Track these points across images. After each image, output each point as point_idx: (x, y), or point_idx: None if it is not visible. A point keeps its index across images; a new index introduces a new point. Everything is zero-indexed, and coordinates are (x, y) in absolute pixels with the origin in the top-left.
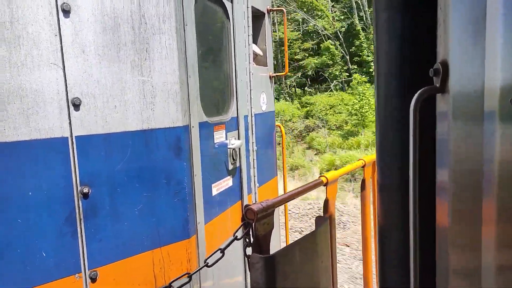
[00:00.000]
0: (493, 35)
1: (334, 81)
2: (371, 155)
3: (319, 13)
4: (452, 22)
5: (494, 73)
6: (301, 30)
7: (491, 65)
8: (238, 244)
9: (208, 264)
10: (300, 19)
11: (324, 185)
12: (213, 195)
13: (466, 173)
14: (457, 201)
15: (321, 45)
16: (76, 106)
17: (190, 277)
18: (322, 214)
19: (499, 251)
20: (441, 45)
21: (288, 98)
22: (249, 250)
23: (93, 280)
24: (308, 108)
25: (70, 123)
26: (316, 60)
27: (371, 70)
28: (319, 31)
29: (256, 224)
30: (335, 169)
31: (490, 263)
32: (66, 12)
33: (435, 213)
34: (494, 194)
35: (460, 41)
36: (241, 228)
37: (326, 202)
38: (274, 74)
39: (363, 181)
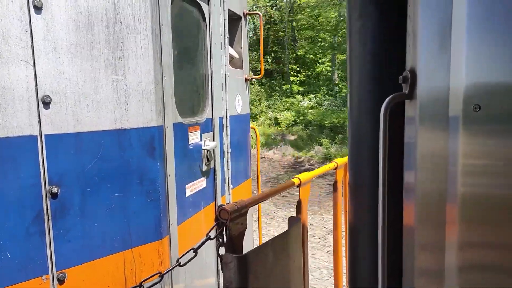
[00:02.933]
0: (458, 45)
1: None
2: (344, 158)
3: None
4: (420, 32)
5: (459, 82)
6: None
7: (456, 74)
8: (211, 245)
9: (181, 264)
10: None
11: (297, 186)
12: (186, 196)
13: (431, 175)
14: (423, 203)
15: None
16: (46, 104)
17: (161, 276)
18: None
19: (461, 252)
20: (410, 54)
21: None
22: (222, 250)
23: (61, 282)
24: None
25: (39, 121)
26: None
27: None
28: None
29: (230, 224)
30: None
31: (453, 263)
32: (38, 9)
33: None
34: (457, 196)
35: (428, 50)
36: (214, 228)
37: (298, 203)
38: (250, 77)
39: (335, 183)
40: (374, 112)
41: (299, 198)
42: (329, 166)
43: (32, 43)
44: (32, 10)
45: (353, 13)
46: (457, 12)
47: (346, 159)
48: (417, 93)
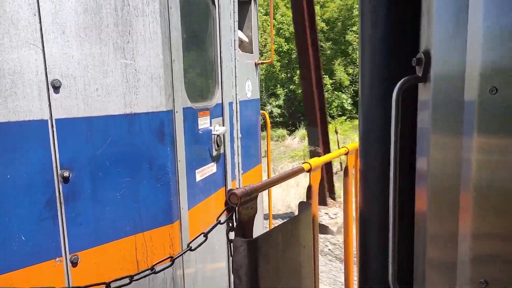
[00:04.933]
0: (475, 25)
1: None
2: (355, 143)
3: None
4: (435, 12)
5: (475, 64)
6: None
7: (472, 56)
8: (221, 230)
9: (192, 248)
10: None
11: (307, 171)
12: (196, 181)
13: (445, 162)
14: (435, 191)
15: None
16: (56, 88)
17: (173, 260)
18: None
19: (474, 243)
20: (424, 35)
21: None
22: (232, 235)
23: (74, 264)
24: None
25: (49, 105)
26: None
27: None
28: None
29: (240, 209)
30: None
31: (466, 254)
32: None
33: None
34: (472, 184)
35: (443, 31)
36: (224, 213)
37: (309, 188)
38: (260, 62)
39: (346, 168)
40: (386, 96)
41: (310, 183)
42: (340, 151)
43: (41, 26)
44: None
45: None
46: None
47: (357, 144)
48: (431, 75)
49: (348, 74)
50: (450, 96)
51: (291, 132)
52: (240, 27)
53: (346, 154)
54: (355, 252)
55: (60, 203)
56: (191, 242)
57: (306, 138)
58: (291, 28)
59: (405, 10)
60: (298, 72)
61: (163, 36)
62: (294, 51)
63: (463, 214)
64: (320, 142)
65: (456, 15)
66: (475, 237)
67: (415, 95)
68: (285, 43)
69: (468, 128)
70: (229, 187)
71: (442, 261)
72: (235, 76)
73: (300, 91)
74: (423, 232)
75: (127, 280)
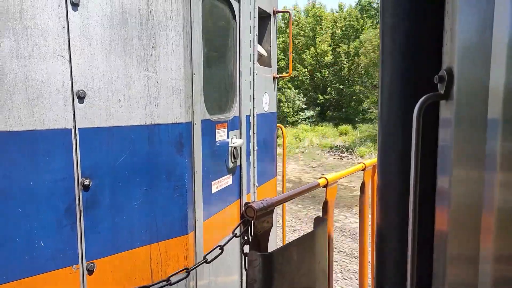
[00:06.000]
0: (499, 43)
1: None
2: (372, 160)
3: None
4: (458, 29)
5: (499, 82)
6: None
7: (496, 74)
8: (235, 243)
9: (207, 261)
10: None
11: (323, 187)
12: (212, 192)
13: (467, 181)
14: (457, 209)
15: None
16: (81, 99)
17: (188, 272)
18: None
19: (496, 263)
20: (447, 52)
21: None
22: (246, 248)
23: (90, 272)
24: None
25: (74, 115)
26: None
27: None
28: None
29: (256, 222)
30: None
31: (487, 274)
32: (75, 5)
33: (434, 220)
34: (494, 204)
35: (466, 49)
36: (240, 226)
37: (325, 204)
38: (278, 75)
39: (363, 184)
40: (406, 112)
41: (326, 199)
42: (357, 167)
43: (69, 38)
44: (70, 6)
45: (387, 8)
46: (500, 7)
47: (374, 161)
48: (453, 93)
49: None
50: (473, 114)
51: None
52: (259, 41)
53: (363, 170)
54: (370, 270)
55: (80, 211)
56: (207, 255)
57: None
58: None
59: (426, 26)
60: None
61: (185, 49)
62: None
63: (485, 236)
64: None
65: (480, 32)
66: (497, 260)
67: (436, 112)
68: None
69: (492, 147)
70: (244, 199)
71: (462, 283)
72: (253, 90)
73: None
74: (443, 253)
75: None
